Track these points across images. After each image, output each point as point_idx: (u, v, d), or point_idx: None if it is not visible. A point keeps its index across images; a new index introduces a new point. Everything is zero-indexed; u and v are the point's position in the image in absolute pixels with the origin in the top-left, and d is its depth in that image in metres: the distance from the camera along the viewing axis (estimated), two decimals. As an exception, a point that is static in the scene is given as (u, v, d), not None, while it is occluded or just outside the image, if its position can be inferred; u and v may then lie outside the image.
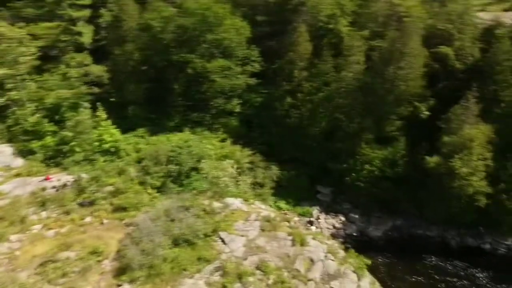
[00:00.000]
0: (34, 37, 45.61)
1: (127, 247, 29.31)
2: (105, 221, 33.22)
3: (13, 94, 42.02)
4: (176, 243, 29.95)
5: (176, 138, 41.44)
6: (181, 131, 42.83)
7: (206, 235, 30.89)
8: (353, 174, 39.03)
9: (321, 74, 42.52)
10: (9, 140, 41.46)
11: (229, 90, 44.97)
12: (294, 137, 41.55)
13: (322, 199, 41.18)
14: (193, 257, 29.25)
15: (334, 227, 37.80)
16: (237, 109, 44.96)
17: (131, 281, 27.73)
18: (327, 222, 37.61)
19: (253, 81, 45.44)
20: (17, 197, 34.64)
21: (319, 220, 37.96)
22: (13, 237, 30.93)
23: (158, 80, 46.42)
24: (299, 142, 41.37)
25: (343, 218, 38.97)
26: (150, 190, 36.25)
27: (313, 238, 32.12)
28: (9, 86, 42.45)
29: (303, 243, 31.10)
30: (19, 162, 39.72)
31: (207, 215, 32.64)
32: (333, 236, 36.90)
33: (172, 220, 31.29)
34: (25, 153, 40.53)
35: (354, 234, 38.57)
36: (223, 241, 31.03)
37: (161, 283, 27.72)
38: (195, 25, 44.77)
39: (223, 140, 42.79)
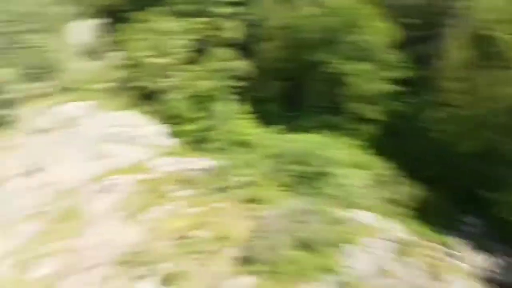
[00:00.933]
0: (188, 31, 50.64)
1: (254, 239, 30.55)
2: (235, 209, 35.05)
3: (170, 80, 47.22)
4: (299, 246, 30.10)
5: (309, 139, 41.73)
6: (315, 132, 42.98)
7: (330, 244, 30.41)
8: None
9: (476, 87, 38.35)
10: (163, 122, 46.59)
11: (369, 95, 43.58)
12: (439, 153, 38.18)
13: (468, 230, 35.77)
14: (314, 264, 29.06)
15: (480, 267, 32.20)
16: (376, 116, 43.29)
17: (253, 273, 28.74)
18: (472, 260, 32.20)
19: (396, 88, 43.23)
20: (163, 173, 38.76)
21: (462, 255, 32.66)
22: (156, 209, 34.65)
23: (296, 79, 47.48)
24: (444, 160, 37.82)
25: (492, 259, 33.06)
26: (279, 187, 37.12)
27: (453, 274, 29.28)
28: (167, 73, 47.84)
29: (440, 277, 28.52)
30: (169, 142, 44.32)
31: (333, 224, 32.10)
32: (478, 277, 31.66)
33: (298, 222, 31.55)
34: (174, 134, 45.12)
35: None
36: (347, 254, 30.18)
37: (282, 283, 28.13)
38: (337, 25, 44.25)
39: (358, 148, 41.72)
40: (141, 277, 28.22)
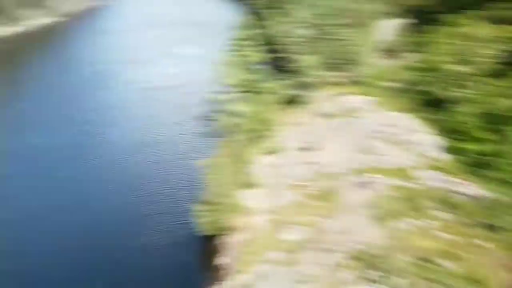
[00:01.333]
0: (502, 40, 43.92)
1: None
2: (499, 255, 29.31)
3: (463, 91, 42.76)
4: None
5: None
6: None
7: None
8: None
9: None
10: (439, 133, 43.06)
11: None
12: None
13: None
14: None
15: None
16: None
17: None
18: None
19: None
20: (426, 187, 36.08)
21: None
22: (407, 220, 32.73)
23: None
24: None
25: None
26: None
27: None
28: (461, 83, 43.47)
29: None
30: (441, 156, 40.75)
31: None
32: None
33: None
34: (448, 149, 41.09)
35: None
36: None
37: None
38: None
39: None
40: (370, 281, 27.62)
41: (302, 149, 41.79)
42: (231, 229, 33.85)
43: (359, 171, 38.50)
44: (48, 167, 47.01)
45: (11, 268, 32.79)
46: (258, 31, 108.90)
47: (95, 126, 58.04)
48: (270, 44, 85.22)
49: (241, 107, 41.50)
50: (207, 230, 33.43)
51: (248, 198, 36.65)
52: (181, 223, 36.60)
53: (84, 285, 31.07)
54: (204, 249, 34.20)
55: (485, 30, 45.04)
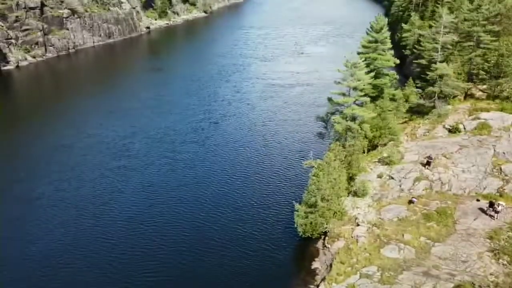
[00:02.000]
0: None
1: None
2: None
3: None
4: None
5: None
6: None
7: None
8: None
9: None
10: None
11: None
12: None
13: None
14: None
15: None
16: None
17: None
18: None
19: None
20: None
21: None
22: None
23: None
24: None
25: None
26: None
27: None
28: None
29: None
30: None
31: None
32: None
33: None
34: None
35: None
36: None
37: None
38: None
39: None
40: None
41: (422, 163, 38.99)
42: (330, 236, 33.47)
43: (485, 196, 34.51)
44: (172, 149, 52.07)
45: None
46: (393, 33, 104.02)
47: (215, 117, 62.45)
48: (404, 48, 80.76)
49: (362, 112, 40.27)
50: (306, 232, 33.53)
51: (354, 206, 35.78)
52: (283, 220, 37.31)
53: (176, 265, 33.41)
54: (300, 250, 34.31)
55: None
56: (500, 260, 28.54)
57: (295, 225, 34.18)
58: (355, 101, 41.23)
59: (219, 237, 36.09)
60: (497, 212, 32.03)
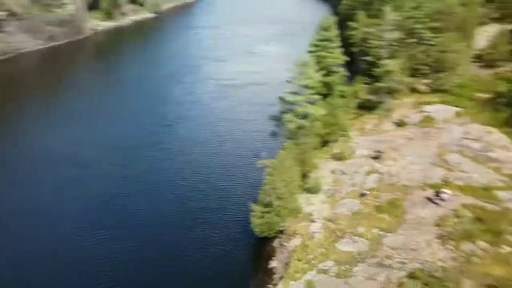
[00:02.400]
0: None
1: None
2: None
3: None
4: None
5: None
6: None
7: None
8: None
9: None
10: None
11: None
12: None
13: None
14: None
15: None
16: None
17: None
18: None
19: None
20: (506, 210, 32.64)
21: None
22: (481, 243, 29.86)
23: None
24: None
25: None
26: None
27: None
28: None
29: None
30: (531, 178, 36.71)
31: None
32: None
33: None
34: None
35: None
36: None
37: None
38: None
39: None
40: (426, 303, 25.85)
41: (372, 157, 40.21)
42: (286, 234, 33.76)
43: (432, 186, 36.06)
44: (121, 156, 50.50)
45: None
46: (341, 31, 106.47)
47: (168, 119, 61.38)
48: (353, 46, 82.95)
49: (314, 110, 40.96)
50: (263, 231, 33.65)
51: (308, 203, 36.27)
52: (238, 221, 37.27)
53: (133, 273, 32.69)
54: (257, 250, 34.43)
55: None
56: (447, 246, 29.91)
57: (252, 226, 34.20)
58: (306, 100, 41.81)
59: (176, 241, 35.54)
60: (443, 200, 33.59)
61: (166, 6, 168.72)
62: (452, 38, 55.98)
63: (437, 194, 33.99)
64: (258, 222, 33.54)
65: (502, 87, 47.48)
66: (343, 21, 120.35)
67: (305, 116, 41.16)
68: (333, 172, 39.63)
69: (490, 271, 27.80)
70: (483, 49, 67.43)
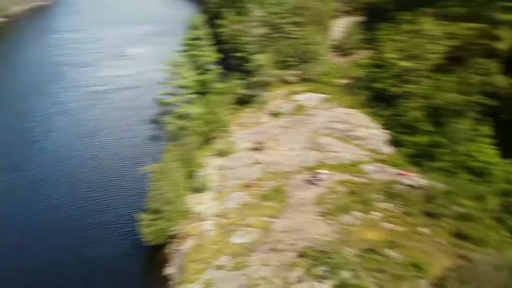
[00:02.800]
0: (449, 36, 45.55)
1: (452, 280, 25.98)
2: (440, 240, 30.51)
3: (409, 87, 44.04)
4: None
5: None
6: None
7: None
8: None
9: None
10: (388, 127, 44.23)
11: None
12: None
13: None
14: None
15: None
16: None
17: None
18: None
19: None
20: (372, 180, 37.02)
21: None
22: (355, 213, 33.43)
23: None
24: None
25: None
26: (504, 232, 30.18)
27: None
28: (409, 78, 44.77)
29: None
30: (388, 149, 41.85)
31: None
32: None
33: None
34: (395, 143, 42.28)
35: None
36: None
37: None
38: None
39: None
40: (319, 277, 28.01)
41: (253, 149, 41.84)
42: (179, 237, 33.42)
43: (309, 168, 39.00)
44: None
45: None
46: (212, 30, 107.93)
47: (34, 134, 55.84)
48: (224, 43, 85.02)
49: (193, 109, 40.97)
50: (154, 240, 32.80)
51: (197, 203, 36.34)
52: (127, 233, 35.68)
53: None
54: (151, 260, 33.42)
55: (434, 27, 46.30)
56: (328, 221, 32.78)
57: (141, 235, 33.06)
58: (184, 100, 41.63)
59: (64, 263, 32.61)
60: (320, 180, 36.60)
61: (16, 8, 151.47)
62: (312, 31, 60.93)
63: (314, 175, 36.91)
64: (147, 230, 32.52)
65: (359, 73, 53.15)
66: (212, 19, 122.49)
67: (184, 116, 40.98)
68: (218, 168, 40.25)
69: (365, 237, 31.38)
70: (339, 40, 74.71)
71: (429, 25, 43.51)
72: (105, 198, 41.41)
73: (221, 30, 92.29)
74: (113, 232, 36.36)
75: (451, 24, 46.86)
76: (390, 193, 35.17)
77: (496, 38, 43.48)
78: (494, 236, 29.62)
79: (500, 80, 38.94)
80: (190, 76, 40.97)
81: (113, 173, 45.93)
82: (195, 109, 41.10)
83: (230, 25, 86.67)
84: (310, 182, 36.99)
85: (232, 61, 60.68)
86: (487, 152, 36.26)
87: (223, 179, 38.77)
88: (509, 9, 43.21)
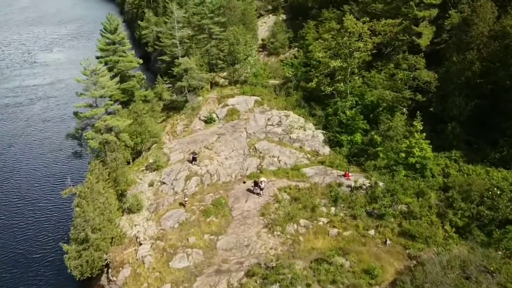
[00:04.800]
0: (373, 33, 46.06)
1: (405, 285, 25.43)
2: (388, 241, 30.08)
3: (339, 86, 43.74)
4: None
5: (498, 175, 33.34)
6: (507, 168, 34.27)
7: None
8: None
9: None
10: (324, 127, 43.70)
11: None
12: None
13: None
14: None
15: None
16: None
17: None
18: None
19: None
20: (315, 185, 35.95)
21: None
22: (302, 222, 32.05)
23: (491, 98, 38.68)
24: None
25: None
26: (447, 227, 30.50)
27: None
28: (338, 77, 44.47)
29: None
30: (326, 150, 41.29)
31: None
32: None
33: (467, 278, 25.09)
34: (333, 143, 41.85)
35: None
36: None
37: None
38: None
39: None
40: (271, 294, 26.12)
41: (188, 160, 38.92)
42: (114, 266, 29.69)
43: (249, 177, 37.08)
44: None
45: None
46: (133, 31, 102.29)
47: None
48: (148, 46, 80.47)
49: (117, 121, 36.95)
50: (85, 273, 28.81)
51: (133, 224, 32.81)
52: (55, 265, 31.27)
53: None
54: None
55: (360, 24, 46.33)
56: (275, 232, 31.02)
57: (68, 268, 28.93)
58: (106, 111, 37.56)
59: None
60: (261, 189, 34.76)
61: None
62: (238, 31, 59.01)
63: (256, 184, 34.98)
64: (75, 263, 28.45)
65: (289, 72, 52.17)
66: (131, 20, 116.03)
67: (108, 130, 36.97)
68: (151, 184, 36.84)
69: (314, 245, 30.09)
70: (266, 39, 73.82)
71: (352, 22, 43.53)
72: (26, 227, 36.33)
73: (142, 32, 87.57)
74: (40, 267, 31.64)
75: (373, 21, 47.53)
76: (334, 196, 34.33)
77: (417, 34, 44.92)
78: (439, 233, 29.75)
79: (427, 75, 39.88)
80: (109, 85, 36.99)
81: (34, 197, 40.54)
82: (119, 122, 37.24)
83: (151, 26, 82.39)
84: (251, 191, 35.05)
85: (158, 65, 56.85)
86: (422, 147, 36.83)
87: (158, 196, 35.51)
88: (426, 6, 44.71)
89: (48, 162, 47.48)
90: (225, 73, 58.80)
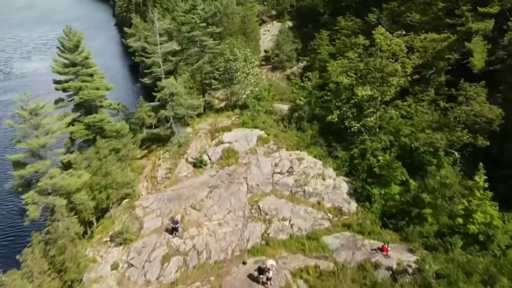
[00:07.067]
0: (411, 50, 35.80)
1: None
2: None
3: (370, 121, 33.40)
4: None
5: None
6: None
7: None
8: None
9: None
10: (348, 173, 33.45)
11: None
12: None
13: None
14: None
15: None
16: None
17: None
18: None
19: None
20: (341, 264, 25.78)
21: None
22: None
23: None
24: None
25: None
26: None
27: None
28: (369, 110, 34.10)
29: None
30: (353, 207, 31.07)
31: None
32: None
33: None
34: (361, 197, 31.61)
35: None
36: None
37: None
38: None
39: None
40: None
41: (168, 229, 28.61)
42: None
43: (251, 252, 26.99)
44: None
45: None
46: (124, 38, 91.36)
47: None
48: (135, 55, 68.86)
49: (69, 179, 26.26)
50: None
51: None
52: None
53: None
54: None
55: (394, 40, 35.58)
56: None
57: None
58: (55, 163, 27.43)
59: None
60: (269, 279, 24.57)
61: None
62: (236, 44, 48.77)
63: (261, 271, 24.73)
64: None
65: (300, 99, 41.39)
66: (122, 25, 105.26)
67: (58, 189, 26.79)
68: (115, 267, 26.53)
69: None
70: (269, 50, 63.59)
71: (386, 38, 32.98)
72: None
73: (129, 39, 76.63)
74: None
75: (409, 35, 37.13)
76: (369, 287, 24.18)
77: (468, 52, 34.69)
78: None
79: (490, 110, 29.68)
80: (58, 128, 26.92)
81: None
82: (69, 179, 27.10)
83: (139, 33, 71.29)
84: (255, 279, 24.85)
85: (147, 79, 45.95)
86: (487, 211, 26.66)
87: (124, 285, 25.23)
88: (481, 16, 34.62)
89: None
90: (219, 95, 48.52)
